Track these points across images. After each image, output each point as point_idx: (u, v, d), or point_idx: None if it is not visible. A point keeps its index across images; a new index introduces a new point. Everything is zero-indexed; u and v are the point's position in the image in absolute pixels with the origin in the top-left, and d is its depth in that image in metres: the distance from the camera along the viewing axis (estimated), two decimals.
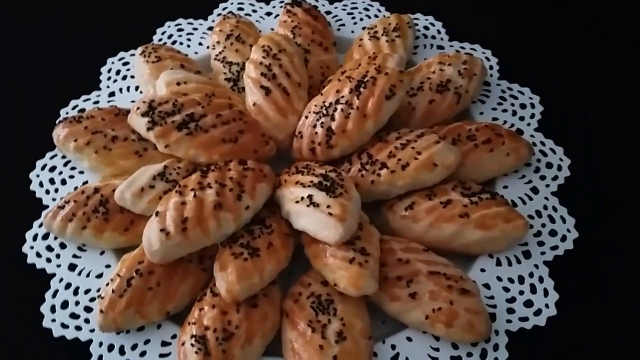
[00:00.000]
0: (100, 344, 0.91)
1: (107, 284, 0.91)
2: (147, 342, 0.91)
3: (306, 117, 1.06)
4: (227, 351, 0.83)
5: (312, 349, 0.84)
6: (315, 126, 1.03)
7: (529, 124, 1.18)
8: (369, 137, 1.03)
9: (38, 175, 1.12)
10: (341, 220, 0.87)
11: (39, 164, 1.13)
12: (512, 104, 1.21)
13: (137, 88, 1.25)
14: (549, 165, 1.11)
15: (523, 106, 1.21)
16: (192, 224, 0.87)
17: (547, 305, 0.93)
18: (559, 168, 1.10)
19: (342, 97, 1.02)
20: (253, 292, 0.87)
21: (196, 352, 0.83)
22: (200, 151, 0.99)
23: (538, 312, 0.93)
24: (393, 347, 0.89)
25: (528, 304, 0.94)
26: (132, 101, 1.16)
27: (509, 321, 0.92)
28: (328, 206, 0.89)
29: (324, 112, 1.03)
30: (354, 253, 0.88)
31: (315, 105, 1.05)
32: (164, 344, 0.91)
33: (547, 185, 1.08)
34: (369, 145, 1.03)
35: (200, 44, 1.35)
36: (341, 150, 1.02)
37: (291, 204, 0.93)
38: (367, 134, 1.01)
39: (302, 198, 0.92)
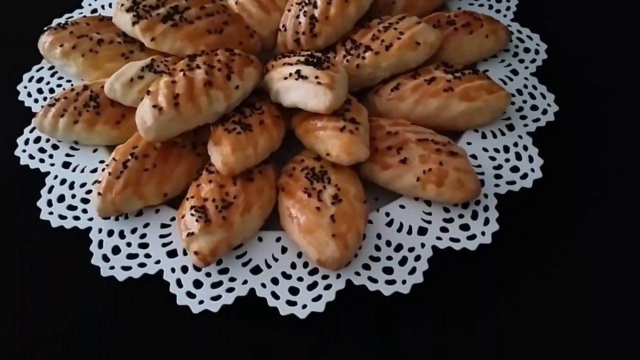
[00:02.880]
0: (100, 231, 0.92)
1: (103, 169, 0.92)
2: (146, 225, 0.92)
3: (289, 10, 1.07)
4: (227, 218, 0.85)
5: (310, 211, 0.86)
6: (298, 16, 1.04)
7: (505, 16, 1.21)
8: (352, 24, 1.05)
9: (26, 87, 1.12)
10: (330, 88, 0.89)
11: (26, 76, 1.14)
12: None
13: None
14: (527, 50, 1.14)
15: (499, 0, 1.24)
16: (183, 100, 0.88)
17: (532, 170, 0.97)
18: (537, 52, 1.14)
19: None
20: (248, 165, 0.89)
21: (197, 220, 0.85)
22: (186, 43, 1.00)
23: (524, 176, 0.96)
24: (387, 214, 0.92)
25: (514, 169, 0.97)
26: None
27: (497, 185, 0.95)
28: (316, 77, 0.91)
29: (306, 1, 1.04)
30: (344, 122, 0.90)
31: None
32: (164, 225, 0.92)
33: (526, 67, 1.12)
34: (352, 32, 1.05)
35: None
36: (325, 38, 1.04)
37: (280, 82, 0.95)
38: (349, 19, 1.03)
39: (290, 74, 0.93)
